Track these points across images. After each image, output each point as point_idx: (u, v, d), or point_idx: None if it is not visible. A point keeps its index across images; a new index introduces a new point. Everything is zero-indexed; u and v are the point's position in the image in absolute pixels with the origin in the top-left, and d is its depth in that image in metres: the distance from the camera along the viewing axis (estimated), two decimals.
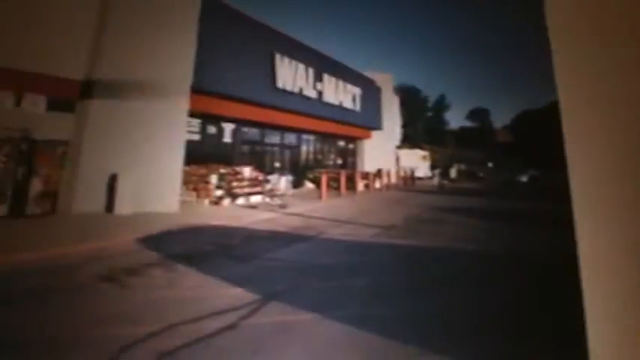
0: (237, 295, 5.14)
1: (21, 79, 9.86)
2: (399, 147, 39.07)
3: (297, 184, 20.98)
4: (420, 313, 4.72)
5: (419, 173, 37.84)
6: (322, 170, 21.70)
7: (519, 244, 9.13)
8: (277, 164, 20.68)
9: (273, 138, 20.52)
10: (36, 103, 10.15)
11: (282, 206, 13.80)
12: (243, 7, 16.02)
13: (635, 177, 1.32)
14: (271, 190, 15.27)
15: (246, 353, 3.69)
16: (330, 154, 26.27)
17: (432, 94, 76.84)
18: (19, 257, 6.56)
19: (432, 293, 5.47)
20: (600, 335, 1.38)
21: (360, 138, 27.97)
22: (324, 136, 24.74)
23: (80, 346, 3.74)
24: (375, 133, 28.86)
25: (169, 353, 3.62)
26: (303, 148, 23.32)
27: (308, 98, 19.98)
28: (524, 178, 39.88)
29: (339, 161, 27.02)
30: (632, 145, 1.34)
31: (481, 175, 44.02)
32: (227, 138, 17.19)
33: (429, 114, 74.60)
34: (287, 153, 21.81)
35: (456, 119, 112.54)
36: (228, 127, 17.17)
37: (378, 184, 24.19)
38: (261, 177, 15.73)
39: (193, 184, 13.80)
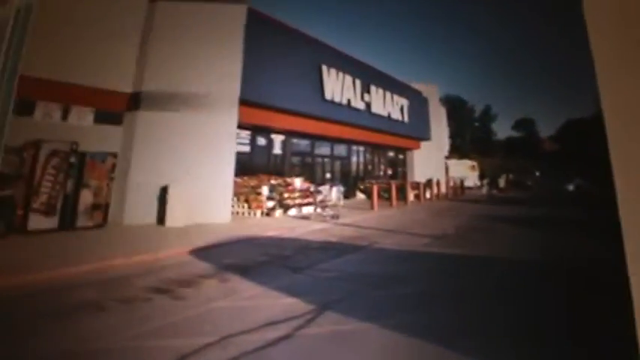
0: (292, 305, 5.02)
1: (69, 92, 9.77)
2: (447, 157, 38.12)
3: (348, 194, 20.28)
4: (474, 321, 4.60)
5: (468, 183, 37.07)
6: (373, 181, 21.07)
7: (572, 253, 8.73)
8: (328, 175, 20.20)
9: (324, 149, 20.05)
10: (84, 116, 10.09)
11: (335, 217, 13.31)
12: (289, 20, 15.84)
13: None
14: (323, 200, 14.82)
15: None
16: (381, 165, 25.59)
17: (478, 105, 75.08)
18: (71, 270, 6.29)
19: (485, 302, 5.34)
20: None
21: (409, 148, 27.14)
22: (373, 147, 24.11)
23: (136, 358, 3.62)
24: (424, 144, 27.91)
25: None
26: (354, 159, 22.79)
27: (356, 110, 19.38)
28: (570, 187, 39.03)
29: (390, 172, 26.28)
30: None
31: (529, 184, 43.53)
32: (277, 149, 16.83)
33: (476, 124, 73.12)
34: (337, 164, 21.32)
35: (502, 129, 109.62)
36: (278, 139, 16.79)
37: (428, 194, 23.34)
38: (312, 188, 15.28)
39: (245, 195, 13.38)
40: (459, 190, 29.62)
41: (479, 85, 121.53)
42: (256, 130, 15.35)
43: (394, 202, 18.39)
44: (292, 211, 14.07)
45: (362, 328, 4.28)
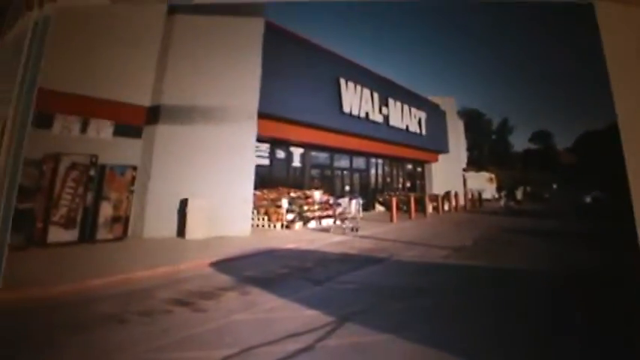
0: (313, 317, 5.09)
1: (87, 105, 9.73)
2: (465, 170, 37.67)
3: (367, 207, 19.88)
4: (494, 333, 4.55)
5: (486, 195, 36.39)
6: (392, 193, 20.87)
7: (591, 264, 8.43)
8: (347, 188, 19.87)
9: (342, 162, 19.77)
10: (103, 129, 10.06)
11: (354, 229, 13.06)
12: (307, 33, 15.78)
13: None
14: (342, 213, 14.64)
15: None
16: (399, 177, 25.27)
17: (495, 117, 74.52)
18: (91, 283, 6.32)
19: (506, 313, 5.32)
20: None
21: (427, 161, 26.68)
22: (392, 160, 23.77)
23: None
24: (442, 157, 27.40)
25: None
26: (372, 171, 22.44)
27: (374, 122, 19.08)
28: (587, 199, 38.04)
29: (408, 184, 25.84)
30: None
31: (546, 196, 42.74)
32: (296, 162, 16.59)
33: (493, 137, 72.38)
34: (356, 176, 21.03)
35: (519, 142, 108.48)
36: (297, 152, 16.57)
37: (446, 207, 23.05)
38: (331, 200, 15.08)
39: (264, 208, 13.18)
40: (476, 202, 28.75)
41: (496, 97, 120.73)
42: (275, 143, 15.12)
43: (413, 214, 18.09)
44: (312, 224, 13.86)
45: (382, 340, 4.35)
